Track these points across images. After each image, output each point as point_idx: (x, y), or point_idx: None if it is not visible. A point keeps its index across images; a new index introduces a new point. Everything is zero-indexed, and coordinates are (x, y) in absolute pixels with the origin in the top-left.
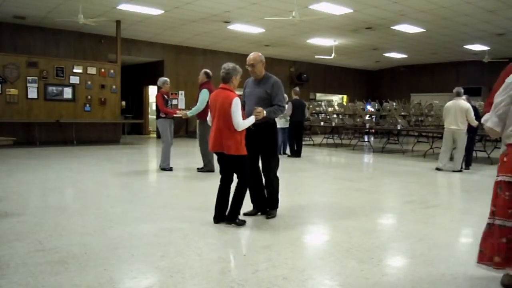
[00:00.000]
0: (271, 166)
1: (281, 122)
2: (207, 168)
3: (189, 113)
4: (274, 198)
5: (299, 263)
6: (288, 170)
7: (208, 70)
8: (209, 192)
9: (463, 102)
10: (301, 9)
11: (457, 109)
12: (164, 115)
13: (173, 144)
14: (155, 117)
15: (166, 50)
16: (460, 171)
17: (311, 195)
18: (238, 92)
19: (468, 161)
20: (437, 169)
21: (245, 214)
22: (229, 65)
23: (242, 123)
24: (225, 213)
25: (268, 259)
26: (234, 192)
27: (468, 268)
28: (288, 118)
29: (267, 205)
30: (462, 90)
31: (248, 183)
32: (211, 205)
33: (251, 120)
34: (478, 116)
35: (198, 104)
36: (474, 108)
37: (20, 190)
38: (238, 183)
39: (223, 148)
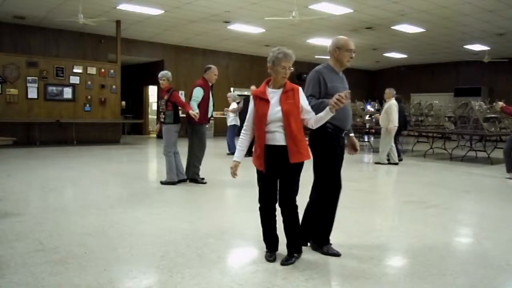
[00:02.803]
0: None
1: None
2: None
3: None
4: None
5: (299, 263)
6: None
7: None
8: (209, 192)
9: (391, 102)
10: (301, 9)
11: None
12: (170, 119)
13: (165, 154)
14: (159, 119)
15: (166, 50)
16: (394, 164)
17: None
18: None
19: (398, 153)
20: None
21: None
22: (273, 50)
23: (242, 134)
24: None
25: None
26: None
27: (468, 268)
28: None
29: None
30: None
31: None
32: (211, 205)
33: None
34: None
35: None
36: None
37: (20, 190)
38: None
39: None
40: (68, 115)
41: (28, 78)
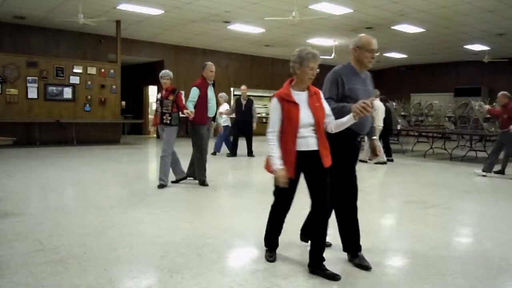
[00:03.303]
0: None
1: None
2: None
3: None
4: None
5: (299, 263)
6: None
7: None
8: (209, 192)
9: (377, 102)
10: (301, 9)
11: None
12: (176, 121)
13: (165, 157)
14: (163, 119)
15: (166, 50)
16: (384, 163)
17: None
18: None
19: (388, 151)
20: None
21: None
22: (299, 49)
23: (270, 141)
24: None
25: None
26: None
27: (468, 268)
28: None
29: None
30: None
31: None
32: (211, 205)
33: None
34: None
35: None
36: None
37: (20, 190)
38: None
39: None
40: (68, 115)
41: (28, 78)
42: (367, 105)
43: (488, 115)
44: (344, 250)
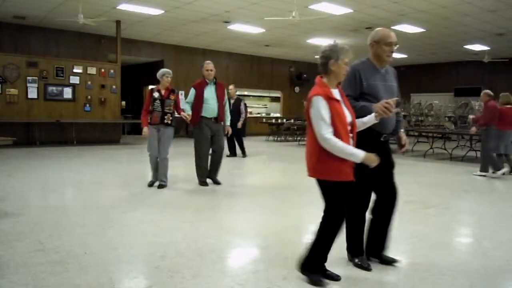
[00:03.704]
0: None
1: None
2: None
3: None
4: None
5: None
6: (289, 169)
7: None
8: (209, 192)
9: None
10: (301, 9)
11: None
12: (175, 122)
13: (164, 157)
14: (164, 119)
15: (166, 50)
16: None
17: (311, 195)
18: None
19: None
20: None
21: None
22: (328, 45)
23: (333, 141)
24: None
25: (268, 259)
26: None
27: (468, 268)
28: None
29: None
30: None
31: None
32: (211, 205)
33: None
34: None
35: (228, 106)
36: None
37: (20, 190)
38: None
39: (310, 172)
40: (68, 115)
41: (28, 78)
42: (390, 105)
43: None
44: (349, 250)
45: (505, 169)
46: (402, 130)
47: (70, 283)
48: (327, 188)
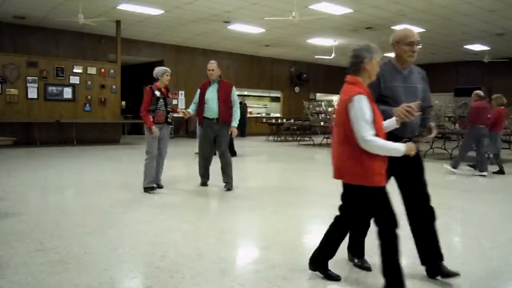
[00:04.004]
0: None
1: None
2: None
3: (235, 122)
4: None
5: (299, 263)
6: (289, 169)
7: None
8: (209, 192)
9: None
10: (301, 9)
11: None
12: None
13: (165, 157)
14: (166, 118)
15: (166, 50)
16: None
17: (311, 195)
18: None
19: None
20: None
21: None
22: (358, 45)
23: (375, 141)
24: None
25: (268, 259)
26: (333, 231)
27: (468, 268)
28: None
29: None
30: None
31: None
32: (211, 205)
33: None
34: None
35: (237, 106)
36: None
37: (20, 190)
38: (341, 219)
39: (341, 175)
40: (68, 115)
41: (28, 78)
42: (412, 109)
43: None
44: (350, 250)
45: (486, 172)
46: (431, 123)
47: (70, 283)
48: (368, 194)
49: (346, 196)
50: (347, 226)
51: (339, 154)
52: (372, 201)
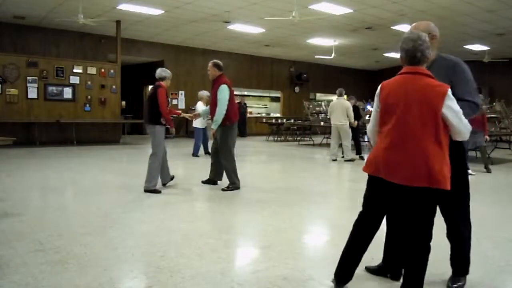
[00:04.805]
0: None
1: (199, 123)
2: (233, 186)
3: (214, 124)
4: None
5: (299, 263)
6: (289, 169)
7: (217, 61)
8: (209, 192)
9: (344, 101)
10: (301, 9)
11: (339, 107)
12: (164, 122)
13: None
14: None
15: (166, 50)
16: (352, 160)
17: (311, 195)
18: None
19: (358, 150)
20: (333, 160)
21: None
22: (414, 34)
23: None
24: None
25: (268, 259)
26: (414, 256)
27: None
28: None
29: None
30: (344, 91)
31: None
32: (211, 205)
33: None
34: (358, 115)
35: (220, 106)
36: (356, 107)
37: (20, 190)
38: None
39: (425, 179)
40: (68, 115)
41: (28, 78)
42: None
43: (491, 115)
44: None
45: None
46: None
47: (70, 283)
48: (435, 200)
49: (415, 205)
50: (426, 241)
51: (425, 155)
52: (434, 208)
